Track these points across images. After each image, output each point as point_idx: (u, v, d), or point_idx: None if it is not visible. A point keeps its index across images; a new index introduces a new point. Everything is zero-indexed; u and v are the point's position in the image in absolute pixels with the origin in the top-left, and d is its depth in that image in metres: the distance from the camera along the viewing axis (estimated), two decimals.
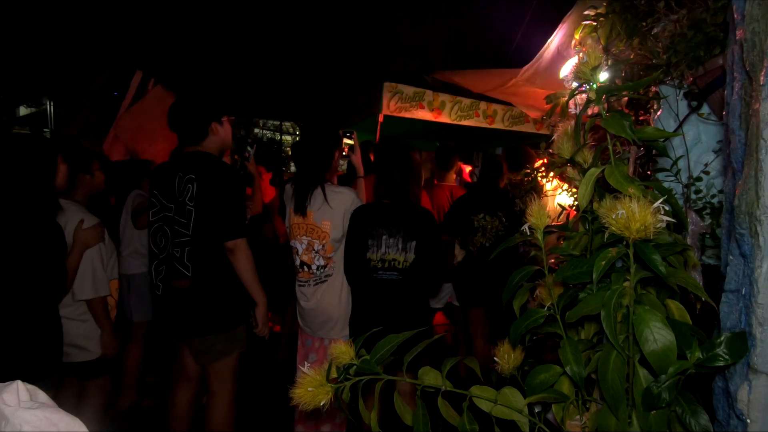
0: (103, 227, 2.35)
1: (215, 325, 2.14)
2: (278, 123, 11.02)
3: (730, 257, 0.89)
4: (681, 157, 1.44)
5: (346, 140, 2.64)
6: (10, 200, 1.73)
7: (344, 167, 3.98)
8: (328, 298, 2.37)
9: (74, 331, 2.25)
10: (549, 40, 2.99)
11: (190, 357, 2.30)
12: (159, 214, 2.16)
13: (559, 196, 2.41)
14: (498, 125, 4.79)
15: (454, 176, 3.86)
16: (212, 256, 2.08)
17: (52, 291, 1.88)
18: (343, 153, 2.59)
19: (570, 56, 2.57)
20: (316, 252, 2.36)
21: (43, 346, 1.88)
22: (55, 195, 1.88)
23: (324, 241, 2.35)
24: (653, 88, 1.53)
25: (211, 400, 2.21)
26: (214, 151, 2.20)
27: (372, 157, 4.27)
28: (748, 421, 0.82)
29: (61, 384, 2.28)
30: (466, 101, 4.58)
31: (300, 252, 2.39)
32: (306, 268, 2.38)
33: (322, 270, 2.37)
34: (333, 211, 2.33)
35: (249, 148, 2.89)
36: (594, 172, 0.91)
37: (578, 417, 0.96)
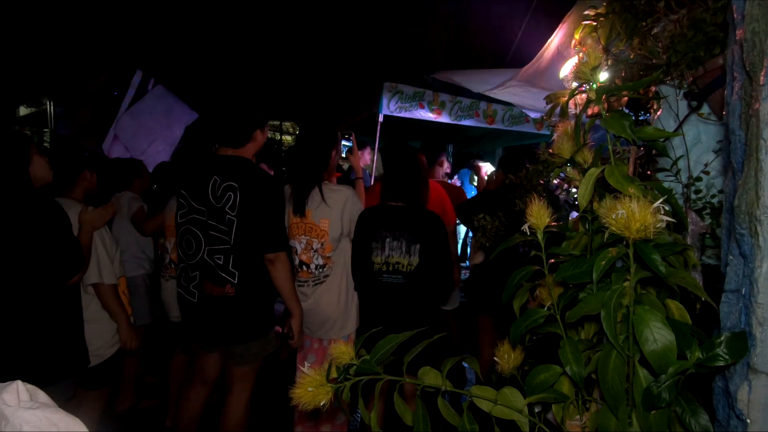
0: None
1: (255, 331, 2.12)
2: (278, 123, 11.01)
3: (730, 257, 0.89)
4: (681, 157, 1.44)
5: (344, 142, 2.63)
6: None
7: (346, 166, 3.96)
8: (326, 298, 2.37)
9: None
10: (549, 40, 2.99)
11: (211, 361, 2.28)
12: (188, 216, 2.11)
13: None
14: (498, 125, 4.80)
15: (441, 171, 3.83)
16: (256, 264, 2.06)
17: (63, 266, 1.84)
18: (342, 156, 2.58)
19: (570, 56, 2.56)
20: (315, 251, 2.36)
21: (57, 343, 1.84)
22: (27, 180, 1.83)
23: (323, 240, 2.35)
24: (653, 88, 1.53)
25: (230, 399, 2.19)
26: (251, 157, 2.17)
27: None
28: (748, 421, 0.82)
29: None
30: (466, 101, 4.59)
31: (299, 251, 2.39)
32: (305, 268, 2.38)
33: (320, 270, 2.37)
34: (331, 209, 2.33)
35: None
36: (594, 172, 0.91)
37: (578, 417, 0.96)
